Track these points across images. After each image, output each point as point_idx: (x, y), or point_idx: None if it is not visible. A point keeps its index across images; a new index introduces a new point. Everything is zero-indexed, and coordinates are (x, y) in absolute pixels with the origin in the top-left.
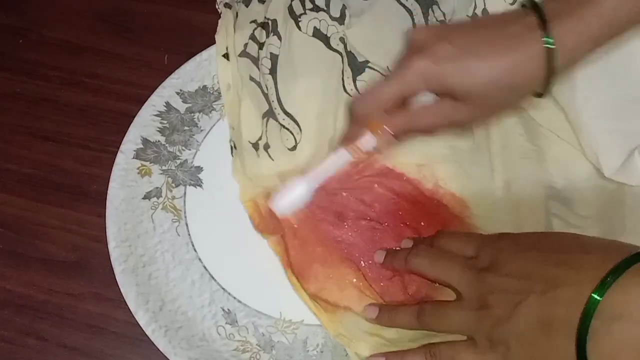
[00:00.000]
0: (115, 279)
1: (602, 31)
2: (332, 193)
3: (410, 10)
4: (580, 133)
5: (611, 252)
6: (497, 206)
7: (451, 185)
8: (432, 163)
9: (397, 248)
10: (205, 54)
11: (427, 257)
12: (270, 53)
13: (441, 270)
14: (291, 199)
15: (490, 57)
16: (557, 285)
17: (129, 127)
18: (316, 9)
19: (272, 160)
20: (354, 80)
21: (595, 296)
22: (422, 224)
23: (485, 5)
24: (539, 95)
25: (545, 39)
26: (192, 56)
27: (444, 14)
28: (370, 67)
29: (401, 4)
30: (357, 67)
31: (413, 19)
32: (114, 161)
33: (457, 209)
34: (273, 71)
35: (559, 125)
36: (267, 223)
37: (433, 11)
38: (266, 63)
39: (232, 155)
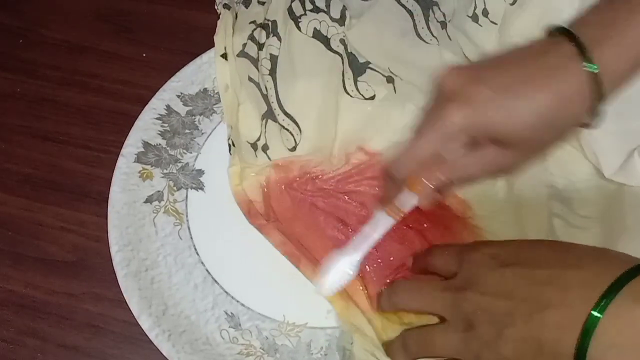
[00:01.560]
0: (115, 279)
1: None
2: (332, 196)
3: (410, 11)
4: (580, 134)
5: (601, 267)
6: (499, 206)
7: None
8: None
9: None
10: (205, 56)
11: (405, 291)
12: (270, 54)
13: (422, 300)
14: (336, 276)
15: (532, 94)
16: (545, 307)
17: (129, 127)
18: (316, 10)
19: (270, 160)
20: (355, 82)
21: (592, 320)
22: (425, 225)
23: (485, 5)
24: (586, 125)
25: (587, 65)
26: (193, 56)
27: (444, 15)
28: (371, 68)
29: (401, 4)
30: (358, 68)
31: (414, 20)
32: (114, 161)
33: (459, 210)
34: (273, 72)
35: None
36: (257, 212)
37: (433, 12)
38: (266, 64)
39: (230, 153)
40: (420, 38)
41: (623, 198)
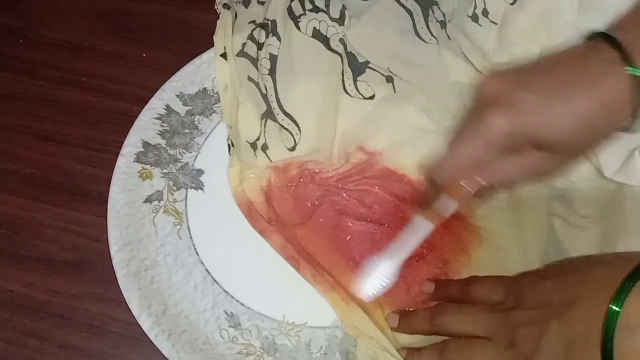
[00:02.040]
0: (116, 278)
1: None
2: (332, 192)
3: (410, 10)
4: None
5: (622, 262)
6: (499, 205)
7: None
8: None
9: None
10: (205, 56)
11: (452, 313)
12: (270, 54)
13: (467, 321)
14: (377, 281)
15: (574, 100)
16: (574, 304)
17: (129, 127)
18: (316, 9)
19: (270, 160)
20: (355, 81)
21: (614, 307)
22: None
23: (485, 4)
24: (625, 129)
25: (630, 70)
26: (192, 56)
27: (443, 14)
28: (371, 68)
29: (401, 4)
30: (357, 67)
31: (413, 20)
32: (114, 161)
33: (463, 213)
34: (272, 72)
35: None
36: (257, 214)
37: (433, 11)
38: (265, 64)
39: (230, 154)
40: (420, 38)
41: (623, 198)
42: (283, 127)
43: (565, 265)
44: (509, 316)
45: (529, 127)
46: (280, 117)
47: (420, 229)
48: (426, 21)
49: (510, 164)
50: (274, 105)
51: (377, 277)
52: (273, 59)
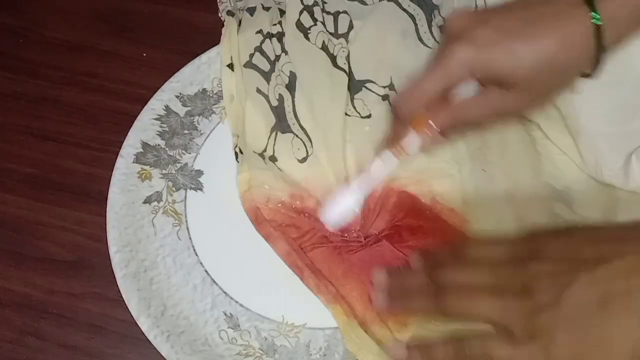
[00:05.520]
0: (116, 278)
1: None
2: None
3: (412, 15)
4: (579, 136)
5: None
6: (498, 217)
7: (449, 200)
8: (428, 178)
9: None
10: (204, 57)
11: (450, 265)
12: (287, 69)
13: (470, 272)
14: (341, 211)
15: (535, 37)
16: (606, 261)
17: (129, 126)
18: (323, 24)
19: (280, 170)
20: (352, 100)
21: None
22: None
23: (486, 6)
24: (587, 75)
25: (592, 14)
26: (192, 56)
27: (444, 19)
28: (367, 88)
29: (403, 9)
30: (355, 85)
31: (416, 24)
32: (114, 161)
33: (457, 223)
34: (291, 88)
35: (556, 135)
36: (264, 219)
37: (434, 16)
38: (283, 78)
39: (238, 161)
40: (422, 42)
41: (623, 198)
42: (297, 136)
43: (583, 228)
44: (525, 265)
45: (488, 62)
46: (296, 127)
47: (386, 163)
48: (429, 26)
49: (474, 102)
50: (290, 115)
51: (342, 207)
52: (292, 75)
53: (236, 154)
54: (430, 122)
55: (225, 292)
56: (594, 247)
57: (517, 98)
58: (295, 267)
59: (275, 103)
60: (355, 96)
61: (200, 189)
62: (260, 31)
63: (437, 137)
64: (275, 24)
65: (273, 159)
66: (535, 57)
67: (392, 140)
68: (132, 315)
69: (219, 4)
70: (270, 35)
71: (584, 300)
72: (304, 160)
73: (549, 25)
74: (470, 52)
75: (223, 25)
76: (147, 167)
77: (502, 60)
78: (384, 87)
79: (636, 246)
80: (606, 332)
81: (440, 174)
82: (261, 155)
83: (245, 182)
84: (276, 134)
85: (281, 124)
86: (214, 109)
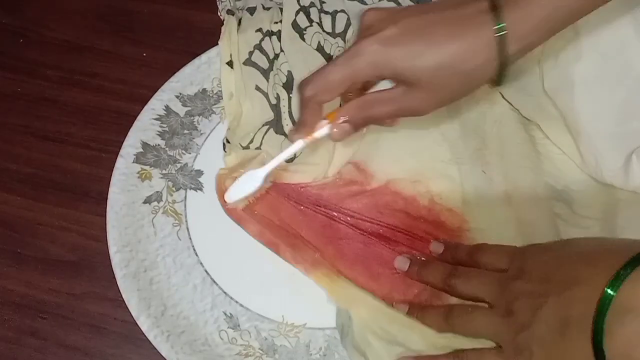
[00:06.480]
0: (115, 278)
1: (557, 17)
2: (326, 215)
3: None
4: (579, 136)
5: (624, 248)
6: (497, 217)
7: (447, 200)
8: (426, 179)
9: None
10: (204, 57)
11: (462, 276)
12: (285, 68)
13: (475, 285)
14: (242, 189)
15: (437, 40)
16: (574, 284)
17: (129, 126)
18: (319, 25)
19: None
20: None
21: (609, 291)
22: (421, 242)
23: None
24: (493, 83)
25: (497, 25)
26: (192, 56)
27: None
28: None
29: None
30: None
31: None
32: (114, 161)
33: (455, 224)
34: (288, 87)
35: (556, 135)
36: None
37: None
38: (281, 77)
39: (225, 150)
40: None
41: (623, 198)
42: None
43: (571, 244)
44: (510, 285)
45: (390, 60)
46: (289, 129)
47: (295, 145)
48: None
49: (380, 97)
50: (285, 115)
51: (245, 182)
52: (289, 74)
53: (224, 144)
54: (337, 113)
55: (225, 292)
56: (570, 268)
57: (420, 97)
58: (270, 244)
59: (274, 101)
60: None
61: (200, 189)
62: (260, 29)
63: (346, 128)
64: (276, 22)
65: (258, 149)
66: (434, 59)
67: (301, 124)
68: (132, 315)
69: (218, 3)
70: (270, 33)
71: (551, 322)
72: (290, 160)
73: (453, 30)
74: (374, 49)
75: (223, 24)
76: (147, 167)
77: (403, 60)
78: None
79: (605, 270)
80: (567, 352)
81: (439, 174)
82: (247, 147)
83: (231, 164)
84: (268, 129)
85: (277, 124)
86: (214, 109)
